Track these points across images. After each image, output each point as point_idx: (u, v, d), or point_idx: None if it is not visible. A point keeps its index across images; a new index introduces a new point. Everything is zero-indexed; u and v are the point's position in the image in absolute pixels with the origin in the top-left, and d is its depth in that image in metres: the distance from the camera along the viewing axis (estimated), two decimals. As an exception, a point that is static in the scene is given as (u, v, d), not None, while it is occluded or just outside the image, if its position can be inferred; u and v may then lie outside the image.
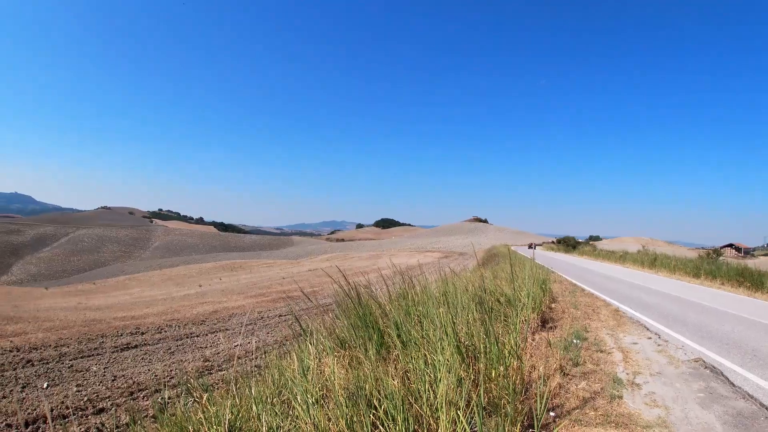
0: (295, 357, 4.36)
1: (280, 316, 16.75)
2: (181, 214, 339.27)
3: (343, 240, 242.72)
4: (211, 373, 9.80)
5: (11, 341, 13.06)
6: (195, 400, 3.82)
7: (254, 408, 3.42)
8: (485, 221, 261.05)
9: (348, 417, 3.23)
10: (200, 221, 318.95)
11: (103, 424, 7.23)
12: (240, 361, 10.48)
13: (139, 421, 6.93)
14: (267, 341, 12.04)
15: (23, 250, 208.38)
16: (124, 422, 7.24)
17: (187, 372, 9.86)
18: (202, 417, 3.29)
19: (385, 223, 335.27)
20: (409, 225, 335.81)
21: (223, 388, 4.69)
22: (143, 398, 8.50)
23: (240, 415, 3.34)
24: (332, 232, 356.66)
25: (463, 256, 60.53)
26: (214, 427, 3.19)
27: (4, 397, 8.73)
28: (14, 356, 11.39)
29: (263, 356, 9.78)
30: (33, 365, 10.76)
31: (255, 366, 8.23)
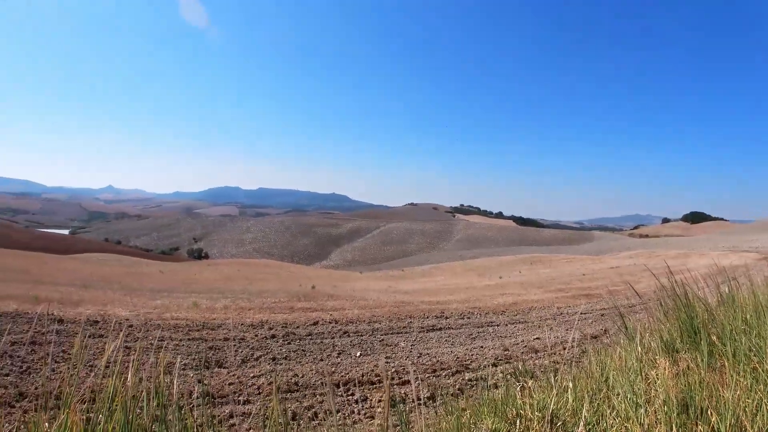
0: (618, 355, 3.97)
1: (580, 313, 16.08)
2: (481, 208, 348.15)
3: (647, 236, 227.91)
4: (510, 362, 9.67)
5: (331, 314, 14.39)
6: (522, 385, 3.65)
7: (570, 400, 3.15)
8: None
9: (678, 424, 2.80)
10: (499, 215, 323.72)
11: (407, 395, 7.49)
12: (538, 354, 10.23)
13: (440, 396, 7.08)
14: (564, 338, 11.59)
15: (341, 240, 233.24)
16: (425, 396, 7.42)
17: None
18: (523, 402, 3.13)
19: (695, 217, 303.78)
20: (722, 219, 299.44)
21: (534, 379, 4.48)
22: (444, 377, 8.67)
23: (558, 406, 3.09)
24: (635, 227, 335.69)
25: (786, 259, 52.29)
26: (537, 413, 2.98)
27: (321, 360, 9.60)
28: (333, 327, 12.51)
29: (562, 352, 9.41)
30: (348, 336, 11.70)
31: (551, 362, 7.86)
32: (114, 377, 2.27)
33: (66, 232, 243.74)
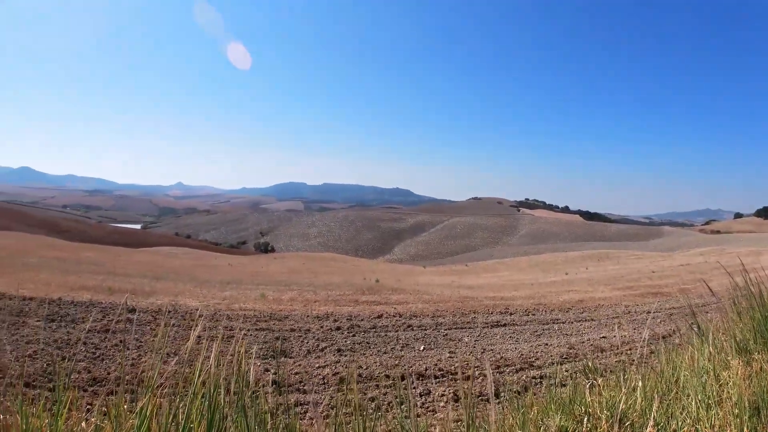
0: (690, 355, 3.89)
1: (648, 312, 15.64)
2: (547, 202, 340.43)
3: (719, 232, 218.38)
4: (575, 361, 9.53)
5: (395, 308, 14.48)
6: (592, 383, 3.63)
7: (639, 400, 3.11)
8: None
9: (749, 427, 2.73)
10: (565, 210, 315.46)
11: (470, 390, 7.50)
12: (604, 354, 10.04)
13: (504, 393, 7.05)
14: (632, 337, 11.33)
15: (404, 234, 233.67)
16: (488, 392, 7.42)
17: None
18: (591, 401, 3.11)
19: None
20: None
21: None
22: (508, 373, 8.62)
23: (628, 405, 3.05)
24: (706, 223, 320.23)
25: None
26: (605, 411, 2.96)
27: (385, 353, 9.71)
28: (397, 320, 12.60)
29: (629, 352, 9.24)
30: (412, 330, 11.76)
31: (617, 361, 7.72)
32: (200, 363, 2.39)
33: (138, 227, 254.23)
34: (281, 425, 2.51)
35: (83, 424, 2.44)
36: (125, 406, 2.38)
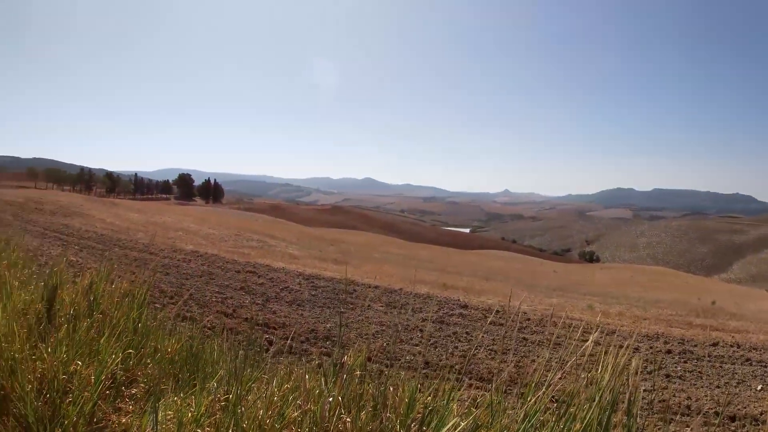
0: None
1: None
2: None
3: None
4: None
5: (733, 336, 13.27)
6: None
7: None
8: None
9: None
10: None
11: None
12: None
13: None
14: None
15: (744, 249, 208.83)
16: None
17: None
18: None
19: None
20: None
21: None
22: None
23: None
24: None
25: None
26: None
27: (717, 387, 9.06)
28: (734, 351, 11.56)
29: None
30: (751, 365, 10.68)
31: None
32: (598, 373, 2.72)
33: (467, 230, 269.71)
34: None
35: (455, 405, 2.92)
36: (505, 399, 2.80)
